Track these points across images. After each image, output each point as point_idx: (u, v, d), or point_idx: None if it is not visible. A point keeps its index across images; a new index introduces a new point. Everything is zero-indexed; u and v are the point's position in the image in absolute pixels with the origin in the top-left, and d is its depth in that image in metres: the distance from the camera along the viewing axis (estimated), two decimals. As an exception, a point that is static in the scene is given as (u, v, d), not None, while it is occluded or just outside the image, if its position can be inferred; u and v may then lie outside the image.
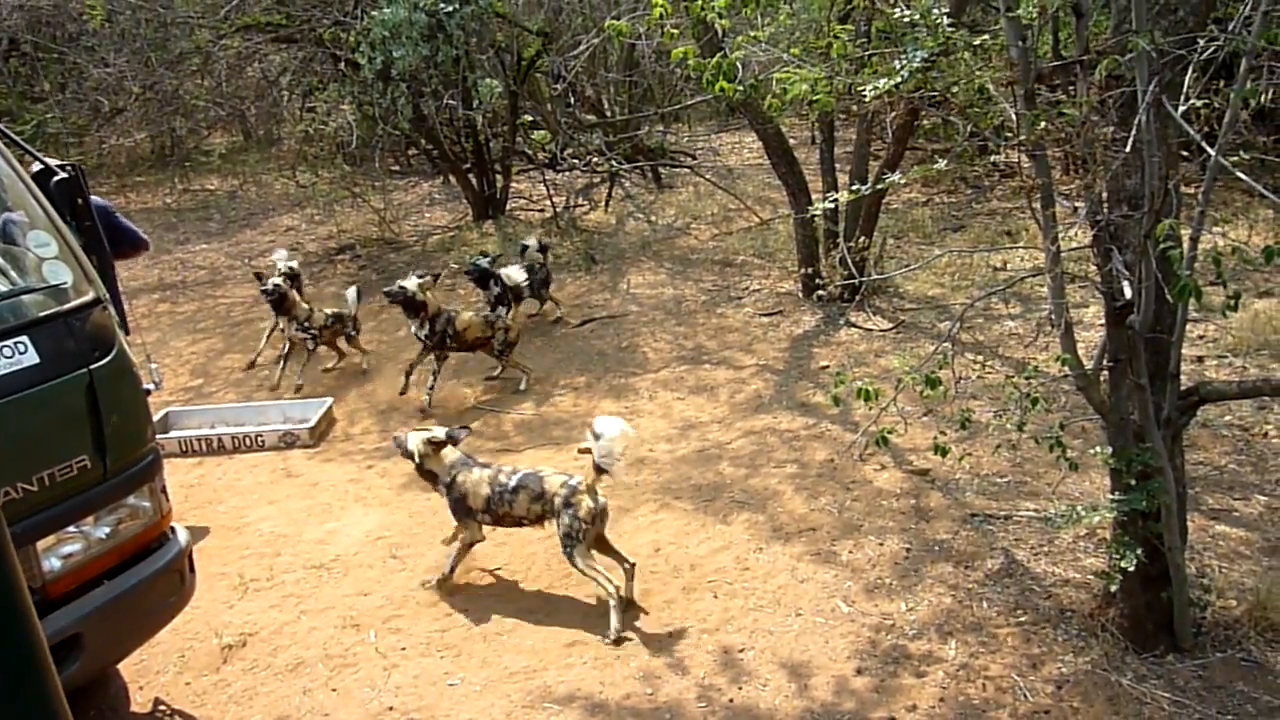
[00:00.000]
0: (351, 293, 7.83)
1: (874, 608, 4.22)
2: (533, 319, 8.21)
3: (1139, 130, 2.96)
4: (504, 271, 7.20)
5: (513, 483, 4.49)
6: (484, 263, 7.83)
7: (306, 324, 7.41)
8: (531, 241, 8.30)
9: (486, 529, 4.67)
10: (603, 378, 7.14)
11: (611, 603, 4.19)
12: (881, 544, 4.69)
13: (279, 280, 7.44)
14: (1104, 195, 3.41)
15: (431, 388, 6.87)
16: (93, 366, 3.24)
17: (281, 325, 7.61)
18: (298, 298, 7.53)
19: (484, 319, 7.11)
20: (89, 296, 3.33)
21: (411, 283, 6.80)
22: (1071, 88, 3.43)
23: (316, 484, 5.91)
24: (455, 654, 4.14)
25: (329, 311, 7.59)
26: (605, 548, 4.46)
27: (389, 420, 6.79)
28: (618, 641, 4.11)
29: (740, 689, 3.78)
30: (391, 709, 3.84)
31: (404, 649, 4.21)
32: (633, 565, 4.44)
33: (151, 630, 3.68)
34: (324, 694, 3.96)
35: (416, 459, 4.64)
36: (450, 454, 4.65)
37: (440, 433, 4.70)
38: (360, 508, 5.56)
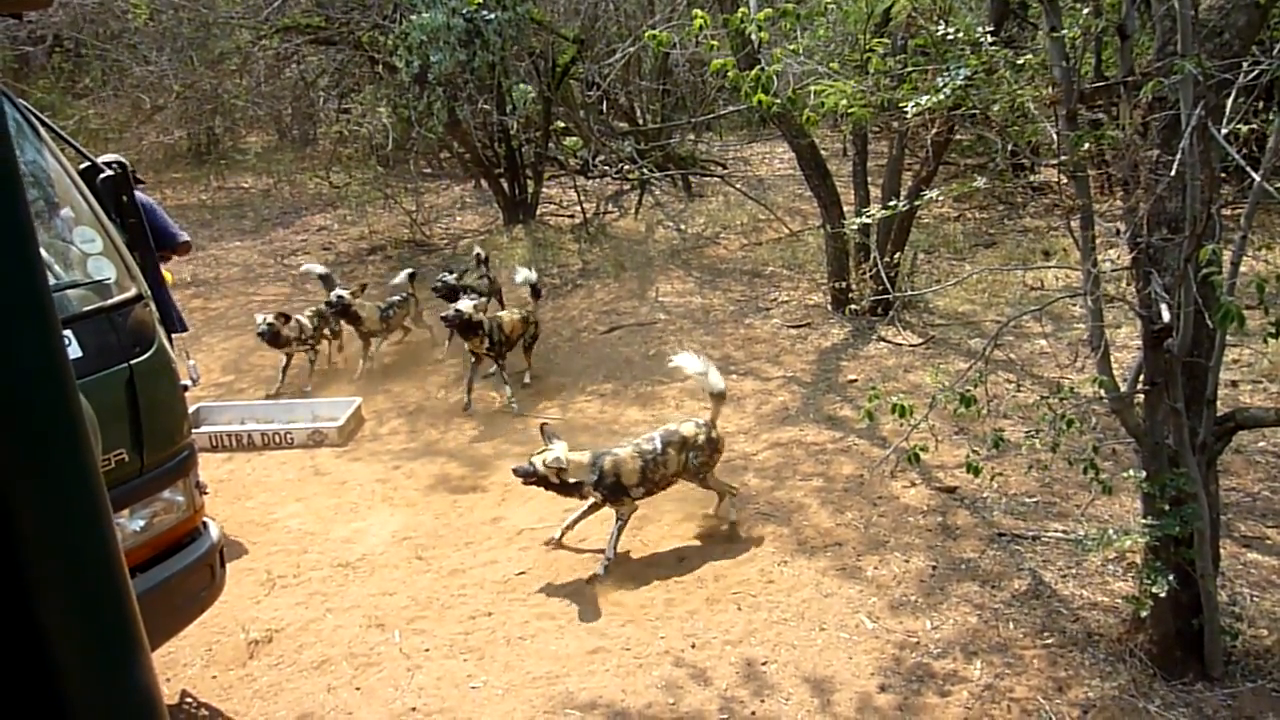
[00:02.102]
0: (403, 276, 8.10)
1: (898, 625, 4.20)
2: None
3: (1183, 154, 2.94)
4: (454, 307, 6.99)
5: (659, 446, 4.86)
6: (450, 279, 7.91)
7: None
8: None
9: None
10: (629, 385, 7.15)
11: (733, 497, 5.10)
12: (907, 561, 4.67)
13: (323, 310, 7.63)
14: (1145, 218, 3.39)
15: (508, 390, 7.02)
16: (133, 361, 3.29)
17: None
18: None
19: (522, 317, 7.29)
20: (131, 293, 3.38)
21: (466, 305, 6.86)
22: (1114, 109, 3.41)
23: (344, 483, 5.96)
24: (478, 657, 4.16)
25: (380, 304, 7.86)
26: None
27: (417, 420, 6.84)
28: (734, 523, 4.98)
29: (762, 702, 3.78)
30: (414, 710, 3.86)
31: (427, 650, 4.23)
32: (737, 490, 5.20)
33: (182, 624, 3.72)
34: (348, 692, 3.99)
35: (554, 480, 4.70)
36: (580, 456, 4.77)
37: (558, 448, 4.73)
38: (387, 508, 5.60)
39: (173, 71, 10.46)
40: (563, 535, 4.96)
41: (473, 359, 7.08)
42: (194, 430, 6.29)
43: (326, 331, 7.73)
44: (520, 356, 7.39)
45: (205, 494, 3.85)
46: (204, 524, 3.72)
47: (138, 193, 3.77)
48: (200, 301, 9.76)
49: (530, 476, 4.74)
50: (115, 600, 0.70)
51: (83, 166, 3.66)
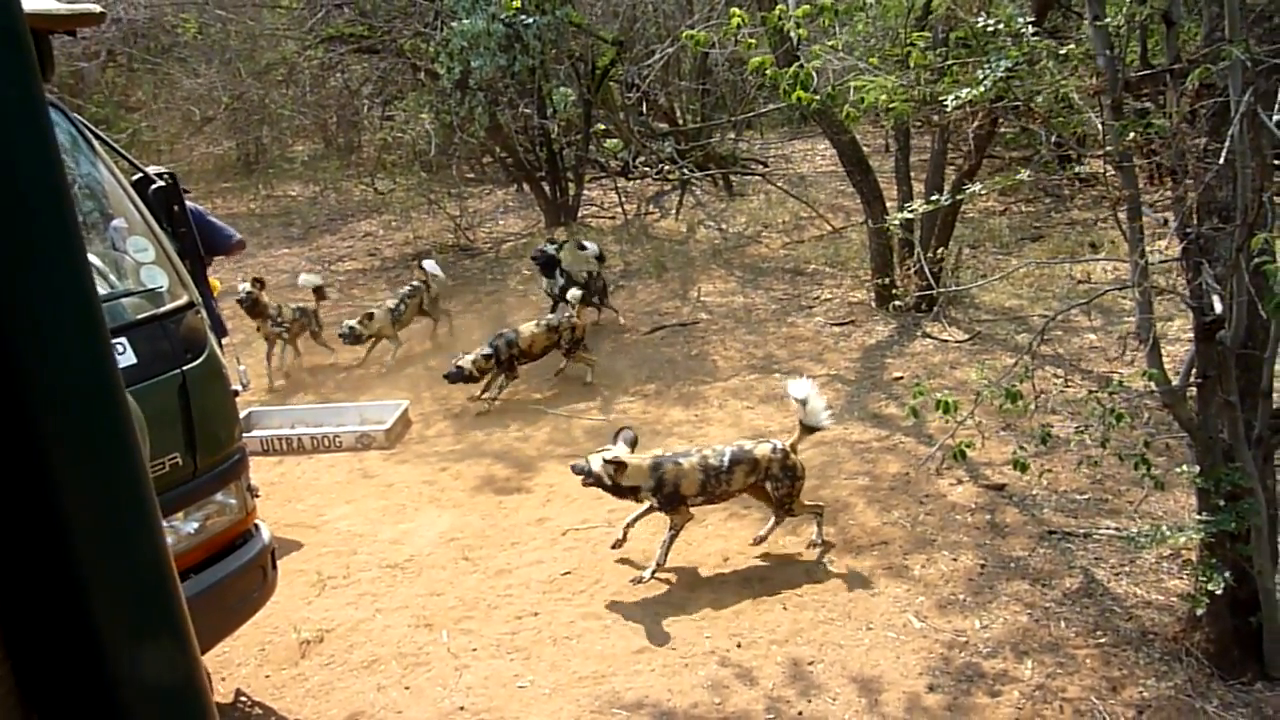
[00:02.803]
0: (430, 264, 8.36)
1: (947, 624, 4.16)
2: (594, 326, 8.27)
3: (1232, 141, 2.88)
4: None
5: (726, 462, 4.69)
6: (551, 249, 8.00)
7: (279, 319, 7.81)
8: (591, 246, 8.37)
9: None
10: (672, 385, 7.15)
11: (819, 518, 4.83)
12: (955, 559, 4.61)
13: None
14: (1194, 207, 3.32)
15: (494, 398, 7.05)
16: (185, 368, 3.37)
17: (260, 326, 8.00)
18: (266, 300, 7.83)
19: (546, 326, 7.22)
20: (183, 300, 3.46)
21: (466, 361, 6.87)
22: (1160, 97, 3.35)
23: (392, 485, 6.04)
24: (525, 656, 4.20)
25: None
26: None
27: (462, 422, 6.91)
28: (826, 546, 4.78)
29: (809, 702, 3.76)
30: (462, 709, 3.90)
31: (475, 650, 4.28)
32: (822, 508, 4.92)
33: (235, 624, 3.80)
34: (397, 691, 4.04)
35: (608, 481, 4.65)
36: (643, 460, 4.69)
37: (619, 449, 4.72)
38: (434, 509, 5.67)
39: (221, 83, 10.69)
40: (625, 535, 4.83)
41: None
42: (245, 434, 6.44)
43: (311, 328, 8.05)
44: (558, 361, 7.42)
45: (257, 497, 3.93)
46: (255, 526, 3.80)
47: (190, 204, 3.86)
48: (250, 308, 9.93)
49: (586, 475, 4.70)
50: (164, 599, 0.73)
51: (135, 178, 3.75)
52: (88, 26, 3.50)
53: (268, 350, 7.95)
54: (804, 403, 4.74)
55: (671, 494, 4.66)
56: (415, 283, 8.35)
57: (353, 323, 7.70)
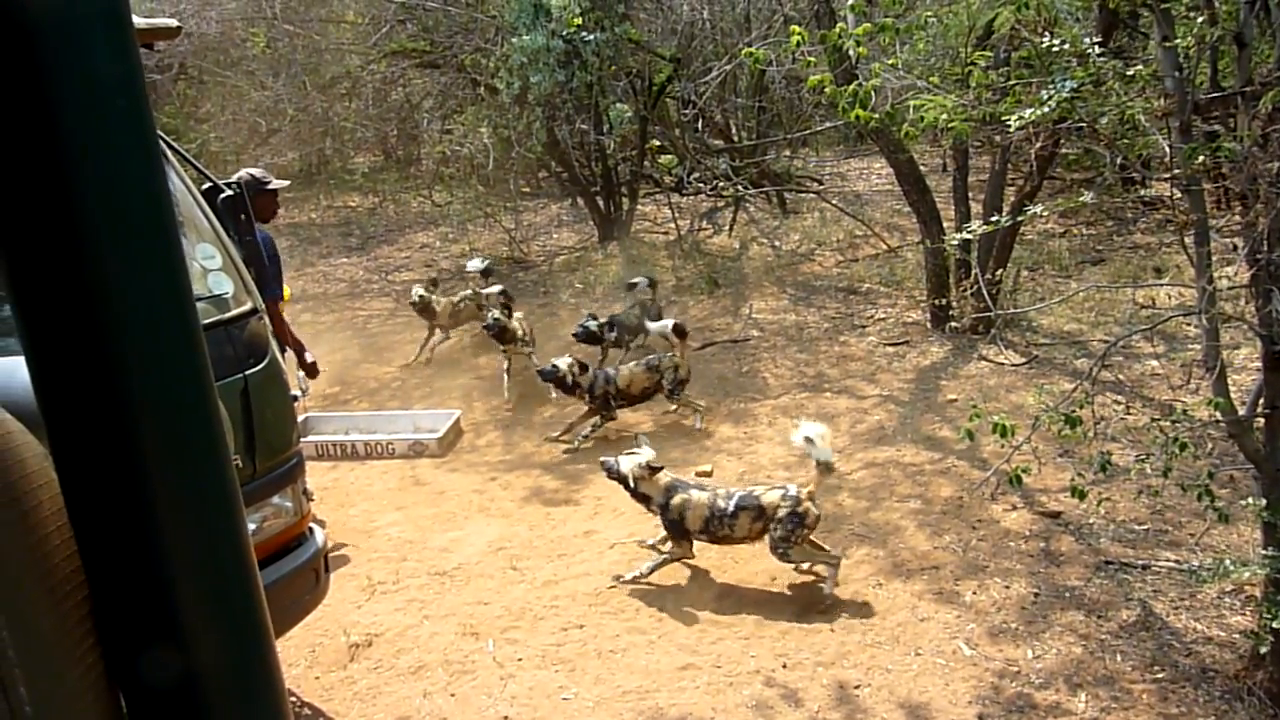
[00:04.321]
0: (475, 263, 8.63)
1: (998, 652, 4.08)
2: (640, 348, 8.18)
3: (1306, 165, 2.81)
4: (652, 326, 7.21)
5: (732, 506, 4.64)
6: (592, 325, 7.60)
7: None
8: (640, 280, 8.14)
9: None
10: (722, 402, 7.14)
11: (829, 572, 4.57)
12: (1008, 587, 4.53)
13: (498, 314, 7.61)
14: (1265, 232, 3.24)
15: (587, 436, 6.68)
16: (248, 373, 3.44)
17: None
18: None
19: (646, 366, 6.84)
20: (247, 306, 3.55)
21: (564, 362, 6.62)
22: (1231, 120, 3.28)
23: (443, 493, 6.10)
24: (570, 669, 4.20)
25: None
26: (813, 545, 4.70)
27: (512, 433, 6.97)
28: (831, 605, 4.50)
29: (855, 726, 3.71)
30: (507, 718, 3.92)
31: (520, 660, 4.30)
32: (839, 558, 4.67)
33: (288, 625, 3.86)
34: (443, 698, 4.07)
35: (631, 483, 4.79)
36: (664, 478, 4.82)
37: (651, 454, 4.85)
38: (483, 518, 5.72)
39: (287, 96, 10.94)
40: (648, 573, 4.84)
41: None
42: (301, 439, 6.56)
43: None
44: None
45: (312, 501, 4.00)
46: (310, 529, 3.86)
47: (260, 228, 3.95)
48: (309, 315, 10.14)
49: (613, 473, 4.87)
50: (247, 595, 0.76)
51: (205, 187, 3.86)
52: (165, 40, 3.62)
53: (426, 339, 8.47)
54: (811, 444, 4.59)
55: (675, 520, 4.74)
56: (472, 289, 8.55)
57: (421, 290, 8.32)
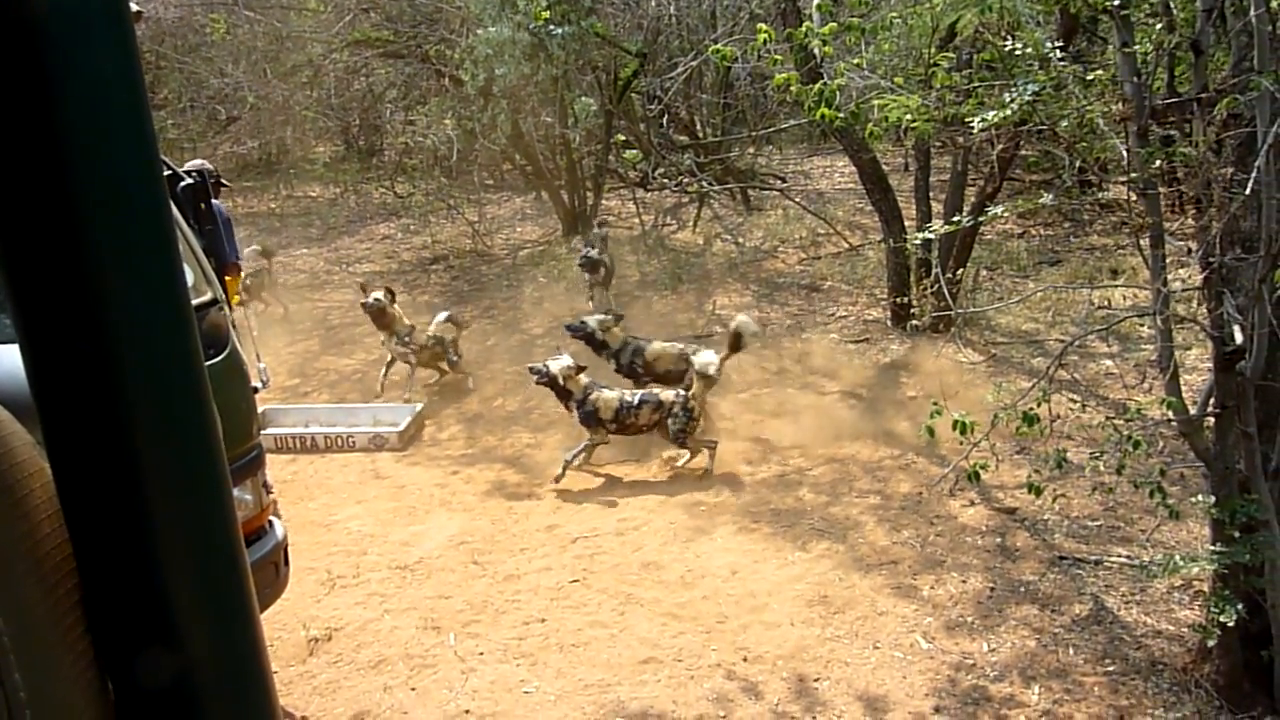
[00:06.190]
0: (441, 316, 7.59)
1: (954, 646, 4.14)
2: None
3: (1258, 171, 2.88)
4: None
5: (637, 399, 5.88)
6: (593, 253, 8.10)
7: (408, 340, 7.30)
8: (595, 243, 8.45)
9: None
10: (685, 397, 7.15)
11: (709, 451, 5.89)
12: (964, 581, 4.60)
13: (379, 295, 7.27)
14: (1218, 237, 3.32)
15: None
16: (208, 363, 3.39)
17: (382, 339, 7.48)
18: (398, 314, 7.38)
19: (679, 351, 6.58)
20: (208, 297, 3.49)
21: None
22: (1187, 126, 3.35)
23: (403, 486, 6.06)
24: (531, 662, 4.20)
25: (431, 333, 7.41)
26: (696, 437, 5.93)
27: (475, 427, 6.93)
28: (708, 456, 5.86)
29: (814, 718, 3.75)
30: (468, 712, 3.91)
31: (482, 654, 4.29)
32: (715, 442, 5.96)
33: (246, 618, 3.81)
34: (404, 692, 4.05)
35: (561, 381, 5.82)
36: (583, 379, 5.90)
37: (566, 359, 5.93)
38: (444, 512, 5.69)
39: (247, 84, 10.78)
40: (564, 471, 5.84)
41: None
42: (261, 432, 6.47)
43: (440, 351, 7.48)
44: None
45: (271, 494, 3.95)
46: (270, 522, 3.81)
47: (215, 202, 3.90)
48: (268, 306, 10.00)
49: (542, 376, 5.86)
50: (236, 582, 0.75)
51: (164, 174, 3.79)
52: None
53: (387, 363, 7.48)
54: (695, 353, 6.09)
55: (591, 412, 5.84)
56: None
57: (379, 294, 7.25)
